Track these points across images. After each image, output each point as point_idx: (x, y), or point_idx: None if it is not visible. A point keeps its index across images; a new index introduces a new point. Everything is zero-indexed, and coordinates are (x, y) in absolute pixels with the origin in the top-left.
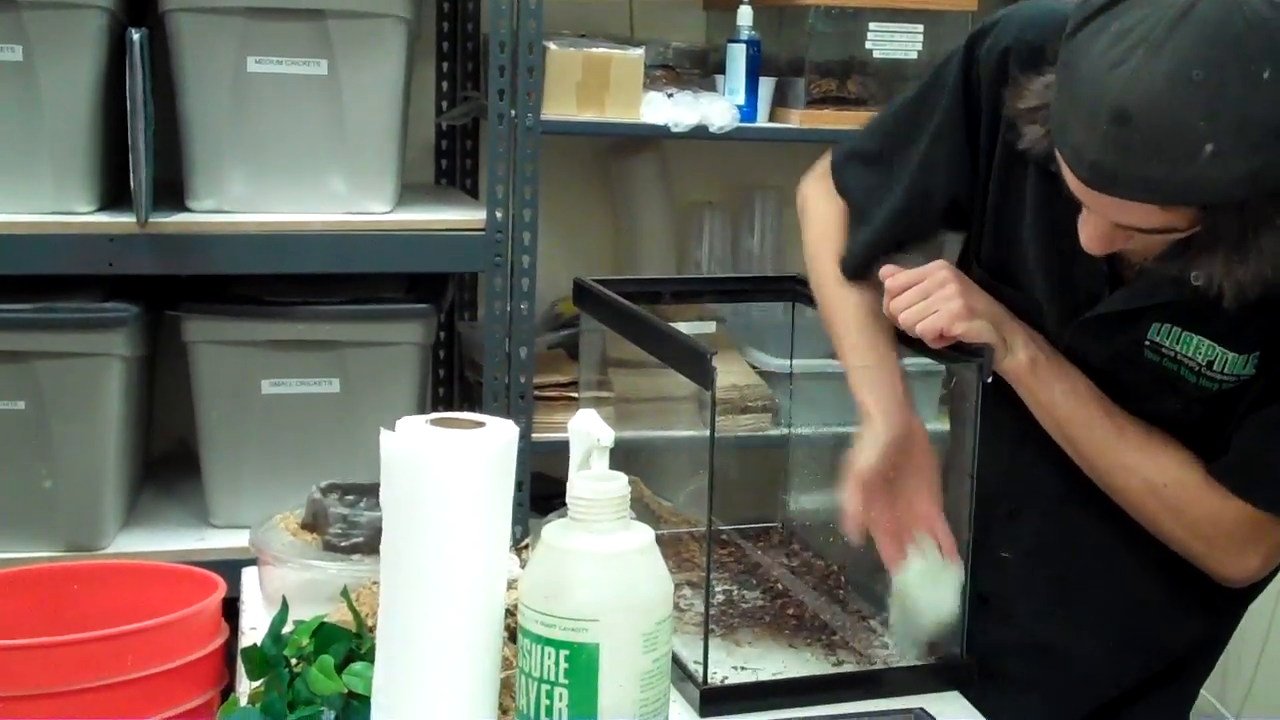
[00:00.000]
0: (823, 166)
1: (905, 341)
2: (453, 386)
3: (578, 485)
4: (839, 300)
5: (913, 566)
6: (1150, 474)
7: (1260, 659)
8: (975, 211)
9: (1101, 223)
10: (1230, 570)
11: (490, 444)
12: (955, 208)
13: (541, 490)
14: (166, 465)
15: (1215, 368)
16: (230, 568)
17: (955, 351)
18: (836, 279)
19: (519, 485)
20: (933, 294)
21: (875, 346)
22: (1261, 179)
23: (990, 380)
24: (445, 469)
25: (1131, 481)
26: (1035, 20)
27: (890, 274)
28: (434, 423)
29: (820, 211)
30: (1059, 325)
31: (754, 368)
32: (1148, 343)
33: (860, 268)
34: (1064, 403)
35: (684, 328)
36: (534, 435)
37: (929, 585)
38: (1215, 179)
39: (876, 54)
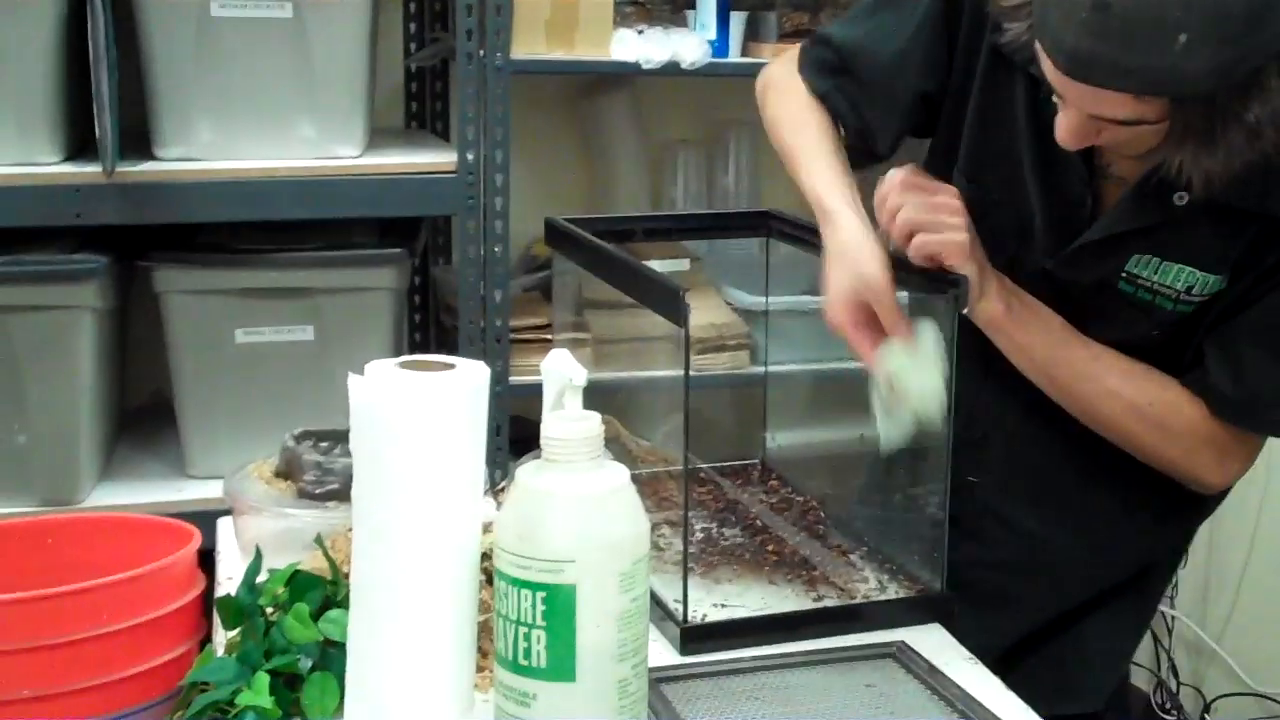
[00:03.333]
0: (788, 58)
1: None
2: (429, 331)
3: (551, 425)
4: (803, 121)
5: (897, 349)
6: (1133, 396)
7: (1240, 584)
8: (948, 118)
9: (1077, 115)
10: (1211, 477)
11: (459, 385)
12: (921, 105)
13: (519, 433)
14: (143, 417)
15: (1194, 292)
16: (208, 518)
17: (930, 279)
18: (803, 102)
19: (496, 429)
20: (942, 215)
21: (847, 181)
22: (1231, 71)
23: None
24: (413, 412)
25: (1115, 406)
26: None
27: (906, 167)
28: (404, 365)
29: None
30: (1045, 247)
31: (730, 305)
32: (1124, 274)
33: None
34: (1043, 341)
35: (658, 266)
36: (511, 378)
37: (915, 371)
38: (1187, 69)
39: None
